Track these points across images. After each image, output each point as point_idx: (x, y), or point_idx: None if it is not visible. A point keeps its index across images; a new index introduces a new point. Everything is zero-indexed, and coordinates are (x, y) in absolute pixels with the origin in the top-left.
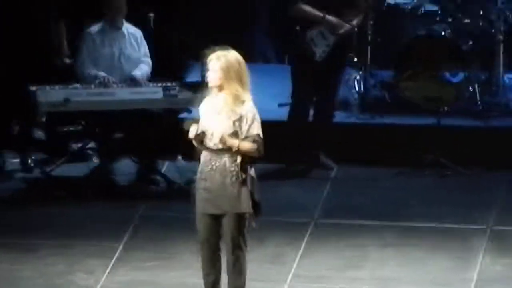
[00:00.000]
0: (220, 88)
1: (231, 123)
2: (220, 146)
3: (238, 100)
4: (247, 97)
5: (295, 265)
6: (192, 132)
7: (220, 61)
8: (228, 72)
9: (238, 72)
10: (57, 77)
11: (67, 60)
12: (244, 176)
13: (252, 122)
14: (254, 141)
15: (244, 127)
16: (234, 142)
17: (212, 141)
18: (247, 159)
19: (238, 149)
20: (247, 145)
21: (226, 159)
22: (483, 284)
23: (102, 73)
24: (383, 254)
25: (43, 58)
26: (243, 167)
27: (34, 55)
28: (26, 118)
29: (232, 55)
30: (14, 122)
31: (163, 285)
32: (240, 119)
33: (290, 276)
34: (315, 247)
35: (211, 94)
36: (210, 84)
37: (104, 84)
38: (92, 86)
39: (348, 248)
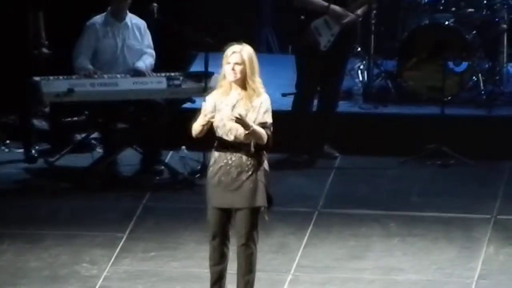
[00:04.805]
0: (241, 81)
1: (251, 118)
2: (239, 140)
3: (255, 92)
4: (262, 89)
5: (299, 255)
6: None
7: (243, 53)
8: (251, 64)
9: (257, 64)
10: (36, 67)
11: (46, 51)
12: (259, 171)
13: (267, 110)
14: (266, 129)
15: (260, 113)
16: (249, 123)
17: (229, 137)
18: (261, 152)
19: (252, 132)
20: (260, 130)
21: (242, 153)
22: (487, 274)
23: (89, 66)
24: (387, 244)
25: (23, 49)
26: (259, 161)
27: (13, 46)
28: (25, 109)
29: (249, 48)
30: (15, 113)
31: (167, 275)
32: (258, 109)
33: (294, 266)
34: (319, 237)
35: (220, 89)
36: (232, 78)
37: (89, 76)
38: (74, 77)
39: (352, 237)
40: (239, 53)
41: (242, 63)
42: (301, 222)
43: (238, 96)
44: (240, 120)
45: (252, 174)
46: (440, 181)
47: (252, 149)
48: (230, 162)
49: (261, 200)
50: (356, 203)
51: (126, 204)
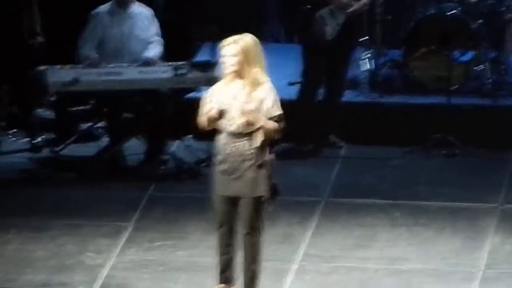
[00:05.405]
0: (238, 72)
1: (251, 107)
2: (240, 130)
3: (256, 83)
4: (265, 79)
5: (305, 245)
6: (209, 111)
7: (238, 44)
8: (248, 55)
9: (256, 54)
10: (32, 56)
11: (41, 40)
12: (262, 159)
13: (273, 103)
14: (277, 122)
15: (265, 109)
16: (260, 118)
17: (232, 126)
18: (267, 142)
19: (263, 127)
20: (270, 124)
21: (244, 142)
22: (493, 264)
23: (94, 55)
24: (393, 234)
25: (18, 38)
26: (262, 150)
27: (8, 36)
28: (26, 98)
29: (249, 37)
30: (18, 102)
31: (173, 265)
32: (260, 102)
33: (300, 256)
34: (325, 226)
35: (225, 79)
36: (228, 70)
37: (93, 65)
38: (79, 66)
39: (358, 227)
40: (233, 45)
41: (236, 54)
42: (306, 211)
43: (240, 86)
44: (249, 115)
45: (254, 163)
46: (446, 171)
47: (258, 143)
48: (232, 151)
49: (263, 190)
50: (361, 192)
51: (132, 193)
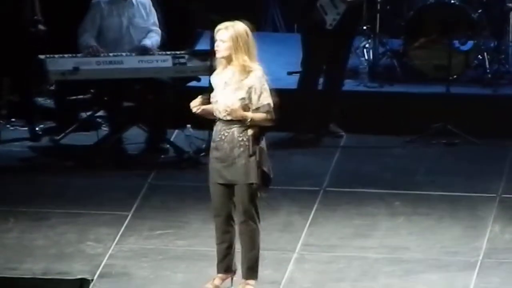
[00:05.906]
0: (229, 59)
1: (240, 96)
2: (228, 118)
3: (245, 71)
4: (255, 67)
5: (304, 234)
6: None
7: (229, 30)
8: (237, 42)
9: (246, 42)
10: (34, 45)
11: (42, 27)
12: (253, 147)
13: (261, 92)
14: (266, 112)
15: (254, 98)
16: (246, 115)
17: (221, 113)
18: (259, 130)
19: (252, 121)
20: (259, 116)
21: (234, 129)
22: (493, 253)
23: (93, 43)
24: (392, 223)
25: (19, 26)
26: (255, 138)
27: (10, 24)
28: (27, 86)
29: (240, 25)
30: (19, 91)
31: (172, 254)
32: (248, 90)
33: (299, 245)
34: (325, 215)
35: (220, 66)
36: (218, 55)
37: (93, 54)
38: (79, 55)
39: (358, 216)
40: (223, 31)
41: (226, 40)
42: (306, 200)
43: (230, 73)
44: (235, 115)
45: (244, 150)
46: (445, 160)
47: (249, 131)
48: (223, 138)
49: (254, 177)
50: (361, 181)
51: (132, 182)
